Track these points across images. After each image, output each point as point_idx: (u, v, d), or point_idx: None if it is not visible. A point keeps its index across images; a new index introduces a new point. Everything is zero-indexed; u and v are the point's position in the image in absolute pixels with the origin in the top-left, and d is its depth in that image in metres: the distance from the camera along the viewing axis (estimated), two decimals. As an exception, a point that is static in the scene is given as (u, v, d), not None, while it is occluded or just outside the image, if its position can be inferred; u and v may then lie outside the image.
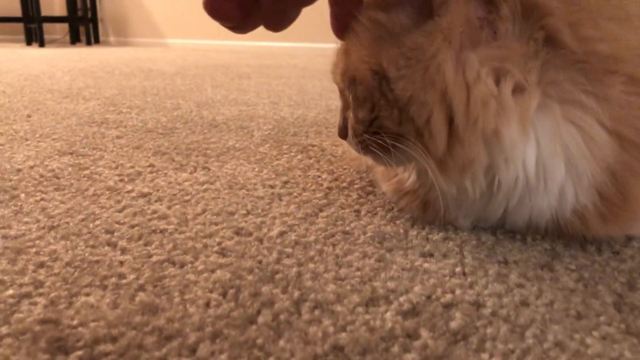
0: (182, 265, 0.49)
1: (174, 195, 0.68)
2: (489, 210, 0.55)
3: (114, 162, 0.82)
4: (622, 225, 0.54)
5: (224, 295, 0.44)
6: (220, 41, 4.34)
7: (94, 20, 5.25)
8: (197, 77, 2.10)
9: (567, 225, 0.54)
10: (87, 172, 0.77)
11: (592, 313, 0.42)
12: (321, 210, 0.63)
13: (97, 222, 0.58)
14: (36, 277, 0.46)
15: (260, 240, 0.55)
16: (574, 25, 0.48)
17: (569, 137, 0.49)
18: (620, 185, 0.51)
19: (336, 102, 1.45)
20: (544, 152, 0.49)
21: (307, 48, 3.59)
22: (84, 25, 5.22)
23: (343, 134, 0.61)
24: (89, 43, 5.20)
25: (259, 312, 0.41)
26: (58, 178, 0.74)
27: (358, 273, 0.48)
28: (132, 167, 0.80)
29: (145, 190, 0.69)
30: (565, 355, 0.37)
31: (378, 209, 0.64)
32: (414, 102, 0.49)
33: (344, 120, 0.60)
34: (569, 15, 0.48)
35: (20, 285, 0.45)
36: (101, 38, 5.45)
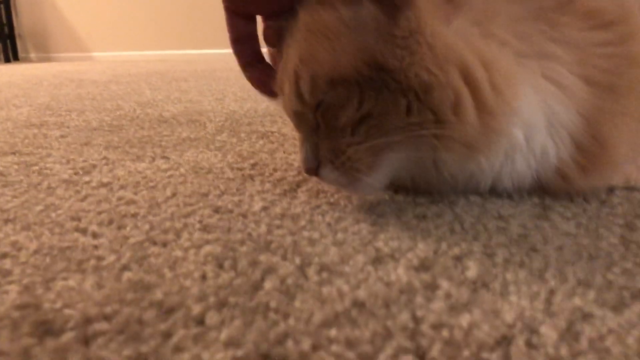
0: (164, 244, 0.45)
1: (138, 182, 0.63)
2: (477, 180, 0.53)
3: (63, 157, 0.76)
4: (603, 175, 0.54)
5: (220, 266, 0.40)
6: (149, 51, 4.22)
7: (12, 36, 5.00)
8: (132, 83, 2.02)
9: (549, 184, 0.53)
10: (36, 168, 0.71)
11: (603, 253, 0.41)
12: (299, 186, 0.60)
13: (60, 212, 0.53)
14: (1, 267, 0.41)
15: (244, 216, 0.51)
16: None
17: (548, 94, 0.48)
18: (595, 131, 0.50)
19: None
20: (528, 113, 0.48)
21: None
22: (0, 42, 4.97)
23: (313, 164, 0.51)
24: (7, 60, 4.95)
25: (263, 279, 0.38)
26: (4, 175, 0.67)
27: (356, 237, 0.45)
28: (84, 161, 0.74)
29: (105, 180, 0.64)
30: (592, 291, 0.35)
31: (357, 180, 0.62)
32: (435, 86, 0.44)
33: (313, 148, 0.51)
34: None
35: (-15, 276, 0.40)
36: (21, 55, 5.19)
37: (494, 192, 0.55)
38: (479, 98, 0.45)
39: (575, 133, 0.50)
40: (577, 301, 0.34)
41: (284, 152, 0.77)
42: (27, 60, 5.10)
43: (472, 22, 0.47)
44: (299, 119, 0.52)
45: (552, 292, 0.35)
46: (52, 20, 4.91)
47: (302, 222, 0.49)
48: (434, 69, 0.44)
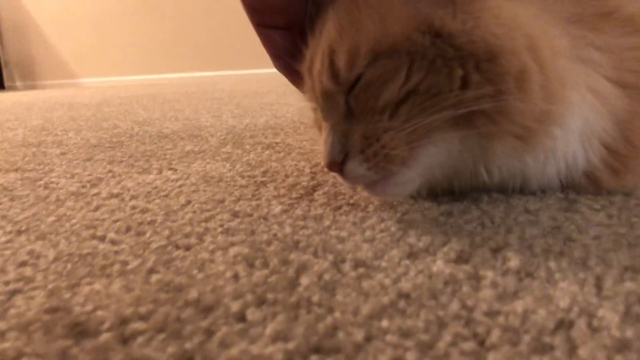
0: (188, 248, 0.43)
1: (149, 192, 0.62)
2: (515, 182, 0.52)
3: (67, 172, 0.75)
4: (634, 175, 0.53)
5: (251, 265, 0.39)
6: (137, 76, 4.22)
7: (-3, 65, 4.98)
8: (124, 104, 2.00)
9: (577, 186, 0.52)
10: (41, 182, 0.69)
11: (643, 240, 0.40)
12: (315, 190, 0.59)
13: (73, 221, 0.52)
14: (22, 274, 0.39)
15: (265, 219, 0.50)
16: None
17: (585, 101, 0.48)
18: (628, 134, 0.50)
19: (281, 111, 1.41)
20: (570, 116, 0.48)
21: (226, 76, 3.54)
22: (-15, 72, 4.94)
23: (339, 156, 0.45)
24: (-7, 89, 4.92)
25: (298, 276, 0.37)
26: (9, 190, 0.66)
27: (385, 234, 0.44)
28: (90, 175, 0.73)
29: (115, 191, 0.63)
30: (642, 275, 0.34)
31: (374, 183, 0.61)
32: (502, 52, 0.42)
33: (341, 137, 0.46)
34: None
35: (6, 283, 0.38)
36: (6, 83, 5.16)
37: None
38: (544, 75, 0.43)
39: (606, 139, 0.49)
40: (629, 285, 0.33)
41: (292, 160, 0.76)
42: (14, 88, 5.07)
43: (536, 7, 0.47)
44: (327, 103, 0.48)
45: (599, 278, 0.34)
46: (37, 47, 4.89)
47: (327, 222, 0.48)
48: (501, 34, 0.42)
